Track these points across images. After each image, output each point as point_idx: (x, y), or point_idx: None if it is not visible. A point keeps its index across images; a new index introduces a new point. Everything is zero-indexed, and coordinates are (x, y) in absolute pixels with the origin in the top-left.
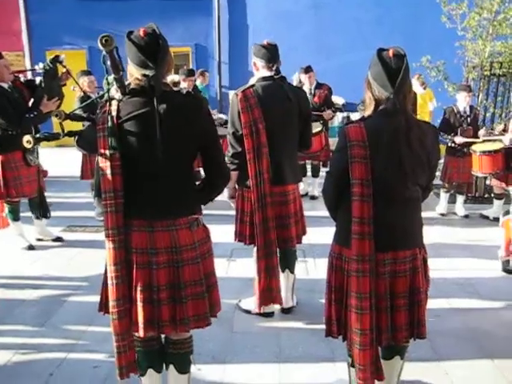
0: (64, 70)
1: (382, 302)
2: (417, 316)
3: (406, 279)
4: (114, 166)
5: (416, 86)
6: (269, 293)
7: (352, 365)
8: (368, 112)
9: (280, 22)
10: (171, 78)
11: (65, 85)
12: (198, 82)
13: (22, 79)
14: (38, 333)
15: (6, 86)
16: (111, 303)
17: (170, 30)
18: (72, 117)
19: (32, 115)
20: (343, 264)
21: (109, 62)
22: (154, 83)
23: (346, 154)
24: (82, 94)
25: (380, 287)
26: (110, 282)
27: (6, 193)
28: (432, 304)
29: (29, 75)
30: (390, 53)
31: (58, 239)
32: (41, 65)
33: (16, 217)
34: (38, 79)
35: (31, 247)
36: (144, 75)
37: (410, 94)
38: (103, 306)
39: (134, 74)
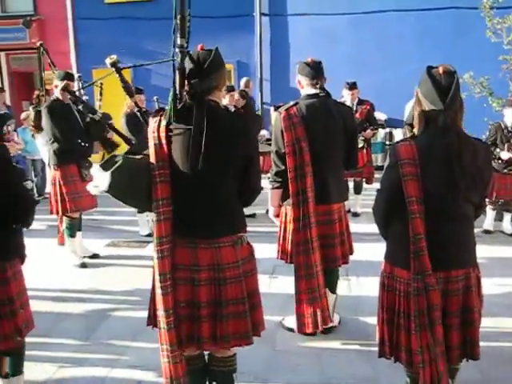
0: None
1: None
2: (470, 336)
3: (459, 298)
4: (165, 174)
5: None
6: (312, 318)
7: None
8: (418, 129)
9: (321, 38)
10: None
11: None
12: None
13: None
14: (83, 347)
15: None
16: (161, 313)
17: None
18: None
19: (84, 145)
20: (395, 283)
21: (177, 78)
22: (196, 89)
23: (397, 171)
24: (129, 110)
25: None
26: (158, 291)
27: (63, 207)
28: None
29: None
30: (440, 70)
31: (95, 256)
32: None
33: (73, 233)
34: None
35: (84, 265)
36: (190, 83)
37: (461, 111)
38: (152, 320)
39: (185, 85)
